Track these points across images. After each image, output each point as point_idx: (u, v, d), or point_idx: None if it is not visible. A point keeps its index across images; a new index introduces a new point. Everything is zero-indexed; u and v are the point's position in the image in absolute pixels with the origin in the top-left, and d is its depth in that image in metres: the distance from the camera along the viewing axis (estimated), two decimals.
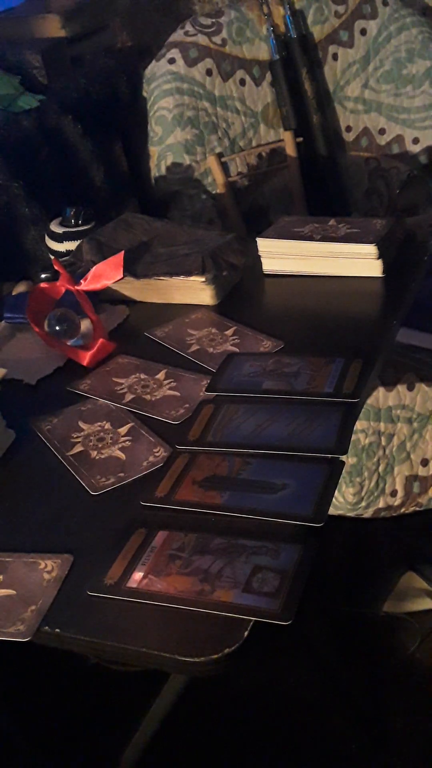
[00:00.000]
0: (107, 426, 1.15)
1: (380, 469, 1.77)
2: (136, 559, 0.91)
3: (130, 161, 2.29)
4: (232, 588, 0.86)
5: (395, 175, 2.33)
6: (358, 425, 1.73)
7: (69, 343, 1.34)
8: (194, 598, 0.85)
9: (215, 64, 2.22)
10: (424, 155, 2.31)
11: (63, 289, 1.41)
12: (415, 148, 2.32)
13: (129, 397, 1.21)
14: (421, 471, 1.81)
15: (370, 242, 1.42)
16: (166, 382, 1.23)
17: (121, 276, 1.43)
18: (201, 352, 1.30)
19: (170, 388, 1.22)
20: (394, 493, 1.81)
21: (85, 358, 1.30)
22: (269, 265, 1.50)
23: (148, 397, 1.20)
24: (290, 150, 2.27)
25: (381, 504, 1.81)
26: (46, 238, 1.75)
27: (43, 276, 1.56)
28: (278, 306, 1.47)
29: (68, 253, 1.67)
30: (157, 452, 1.09)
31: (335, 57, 2.36)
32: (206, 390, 1.20)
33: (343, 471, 1.45)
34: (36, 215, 1.85)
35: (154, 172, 2.23)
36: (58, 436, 1.15)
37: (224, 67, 2.24)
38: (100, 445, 1.12)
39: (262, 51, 2.29)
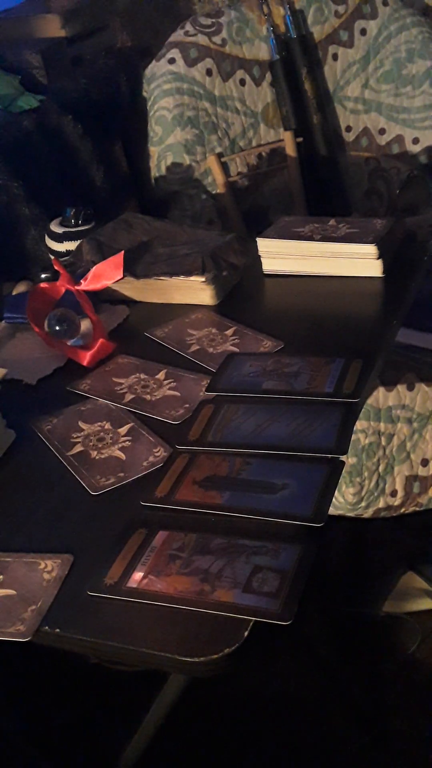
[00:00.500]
0: (107, 426, 1.15)
1: (380, 469, 1.77)
2: (136, 559, 0.91)
3: (130, 161, 2.29)
4: (232, 588, 0.86)
5: (395, 175, 2.33)
6: (358, 425, 1.73)
7: (69, 343, 1.34)
8: (194, 598, 0.85)
9: (215, 64, 2.23)
10: (424, 155, 2.31)
11: (63, 289, 1.41)
12: (415, 148, 2.32)
13: (129, 397, 1.21)
14: (421, 471, 1.81)
15: (370, 242, 1.42)
16: (166, 382, 1.23)
17: (121, 276, 1.43)
18: (201, 352, 1.30)
19: (170, 388, 1.22)
20: (394, 493, 1.81)
21: (85, 358, 1.30)
22: (269, 265, 1.50)
23: (148, 397, 1.20)
24: (290, 150, 2.27)
25: (381, 504, 1.81)
26: (46, 238, 1.75)
27: (43, 276, 1.56)
28: (278, 306, 1.47)
29: (68, 253, 1.67)
30: (157, 452, 1.09)
31: (335, 57, 2.36)
32: (206, 390, 1.20)
33: (343, 471, 1.45)
34: (36, 215, 1.85)
35: (154, 172, 2.23)
36: (58, 436, 1.15)
37: (224, 67, 2.24)
38: (100, 445, 1.12)
39: (262, 51, 2.29)
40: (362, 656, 1.76)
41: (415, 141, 2.32)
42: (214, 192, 2.22)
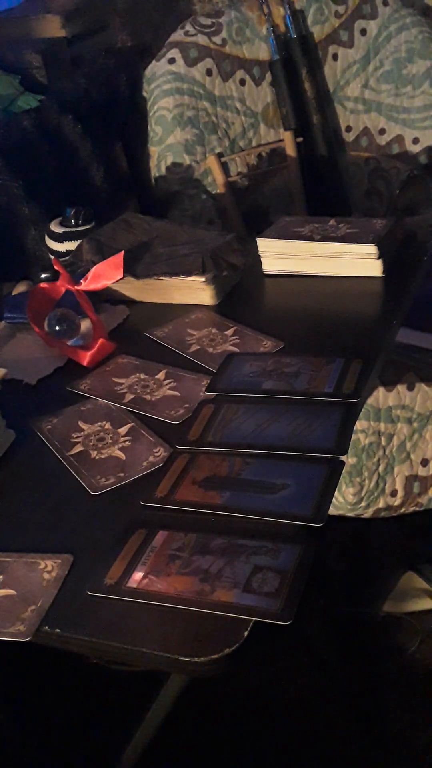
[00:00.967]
0: (107, 426, 1.15)
1: (380, 469, 1.77)
2: (136, 559, 0.91)
3: (130, 161, 2.29)
4: (232, 588, 0.86)
5: (395, 175, 2.33)
6: (358, 425, 1.73)
7: (69, 343, 1.34)
8: (194, 598, 0.85)
9: (215, 64, 2.23)
10: (424, 155, 2.31)
11: (63, 289, 1.41)
12: (415, 148, 2.32)
13: (129, 397, 1.21)
14: (421, 471, 1.81)
15: (370, 242, 1.42)
16: (166, 382, 1.23)
17: (121, 276, 1.43)
18: (201, 352, 1.30)
19: (170, 388, 1.22)
20: (394, 493, 1.81)
21: (85, 358, 1.30)
22: (269, 265, 1.50)
23: (148, 397, 1.20)
24: (290, 150, 2.27)
25: (381, 504, 1.81)
26: (46, 238, 1.75)
27: (43, 276, 1.56)
28: (278, 306, 1.47)
29: (68, 253, 1.67)
30: (157, 452, 1.09)
31: (335, 57, 2.36)
32: (206, 390, 1.20)
33: (343, 471, 1.46)
34: (36, 215, 1.85)
35: (154, 172, 2.23)
36: (58, 436, 1.15)
37: (224, 67, 2.24)
38: (100, 445, 1.12)
39: (262, 51, 2.29)
40: (362, 656, 1.76)
41: (415, 141, 2.32)
42: (214, 192, 2.22)
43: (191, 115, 2.20)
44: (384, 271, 1.43)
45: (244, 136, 2.29)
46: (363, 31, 2.34)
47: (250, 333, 1.33)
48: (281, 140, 2.29)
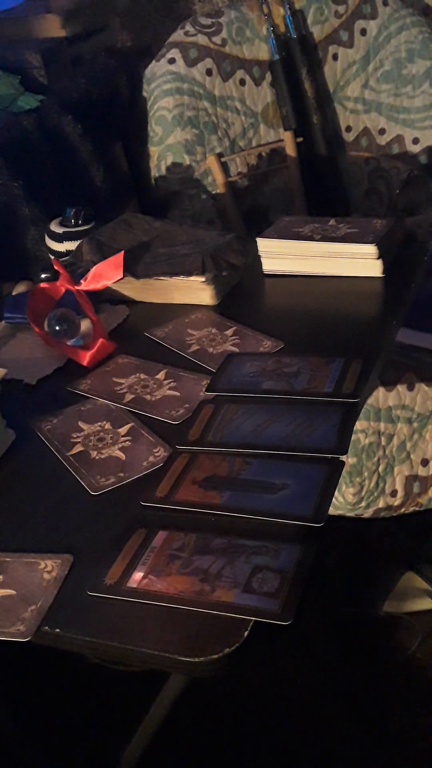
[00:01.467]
0: (107, 426, 1.15)
1: (380, 469, 1.77)
2: (136, 559, 0.91)
3: (130, 161, 2.29)
4: (232, 588, 0.86)
5: (395, 175, 2.33)
6: (358, 425, 1.73)
7: (69, 343, 1.34)
8: (194, 598, 0.85)
9: (215, 64, 2.23)
10: (424, 155, 2.31)
11: (63, 289, 1.41)
12: (415, 148, 2.32)
13: (129, 397, 1.21)
14: (421, 471, 1.81)
15: (370, 242, 1.42)
16: (166, 382, 1.23)
17: (121, 276, 1.43)
18: (201, 352, 1.30)
19: (170, 388, 1.22)
20: (394, 493, 1.81)
21: (85, 358, 1.30)
22: (269, 265, 1.50)
23: (148, 397, 1.20)
24: (290, 150, 2.27)
25: (381, 504, 1.81)
26: (46, 238, 1.75)
27: (43, 276, 1.56)
28: (278, 306, 1.46)
29: (68, 253, 1.67)
30: (157, 452, 1.09)
31: (335, 57, 2.36)
32: (206, 390, 1.20)
33: (343, 471, 1.46)
34: (36, 215, 1.85)
35: (154, 172, 2.23)
36: (58, 436, 1.15)
37: (224, 67, 2.24)
38: (100, 445, 1.12)
39: (262, 51, 2.29)
40: (362, 656, 1.76)
41: (415, 141, 2.32)
42: (214, 192, 2.22)
43: (191, 115, 2.20)
44: (384, 271, 1.43)
45: (244, 136, 2.29)
46: (363, 31, 2.34)
47: (250, 333, 1.33)
48: (281, 140, 2.29)
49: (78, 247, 1.55)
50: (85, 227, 1.71)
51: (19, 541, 0.98)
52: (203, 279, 1.41)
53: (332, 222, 1.52)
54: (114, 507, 1.01)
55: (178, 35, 2.23)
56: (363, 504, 1.80)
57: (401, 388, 1.75)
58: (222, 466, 1.03)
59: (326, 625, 1.78)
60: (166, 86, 2.19)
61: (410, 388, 1.75)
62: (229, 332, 1.34)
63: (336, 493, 1.59)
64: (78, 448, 1.12)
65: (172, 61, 2.19)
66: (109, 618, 0.86)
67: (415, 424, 1.77)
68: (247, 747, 1.62)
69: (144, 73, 2.24)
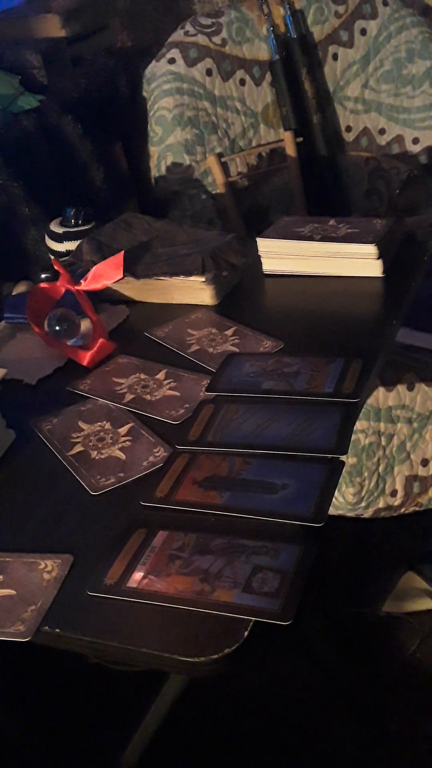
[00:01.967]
0: (107, 426, 1.15)
1: (380, 469, 1.77)
2: (136, 559, 0.91)
3: (130, 161, 2.29)
4: (232, 588, 0.86)
5: (395, 175, 2.33)
6: (358, 425, 1.73)
7: (69, 343, 1.34)
8: (194, 598, 0.85)
9: (215, 64, 2.23)
10: (424, 155, 2.31)
11: (63, 289, 1.41)
12: (415, 148, 2.32)
13: (129, 397, 1.21)
14: (421, 471, 1.81)
15: (370, 242, 1.42)
16: (166, 382, 1.23)
17: (121, 276, 1.43)
18: (201, 352, 1.30)
19: (170, 388, 1.22)
20: (394, 493, 1.81)
21: (85, 358, 1.30)
22: (269, 265, 1.50)
23: (148, 397, 1.20)
24: (290, 150, 2.27)
25: (381, 504, 1.81)
26: (46, 238, 1.75)
27: (43, 276, 1.56)
28: (278, 306, 1.47)
29: (68, 253, 1.67)
30: (157, 452, 1.09)
31: (335, 57, 2.36)
32: (206, 390, 1.20)
33: (343, 471, 1.45)
34: (36, 215, 1.85)
35: (154, 172, 2.23)
36: (58, 436, 1.15)
37: (224, 67, 2.24)
38: (100, 445, 1.12)
39: (262, 51, 2.29)
40: (362, 656, 1.76)
41: (415, 141, 2.32)
42: (214, 192, 2.22)
43: (191, 115, 2.20)
44: (384, 271, 1.43)
45: (244, 136, 2.29)
46: (363, 31, 2.34)
47: (250, 333, 1.33)
48: (281, 140, 2.29)
49: (78, 247, 1.55)
50: (85, 227, 1.71)
51: (19, 541, 0.98)
52: (203, 279, 1.41)
53: (332, 222, 1.52)
54: (114, 507, 1.01)
55: (178, 35, 2.23)
56: (363, 504, 1.80)
57: (401, 388, 1.74)
58: (222, 466, 1.03)
59: (326, 625, 1.78)
60: (166, 86, 2.19)
61: (410, 388, 1.75)
62: (229, 332, 1.34)
63: (336, 493, 1.59)
64: (78, 448, 1.12)
65: (172, 61, 2.19)
66: (109, 618, 0.86)
67: (415, 424, 1.77)
68: (247, 747, 1.62)
69: (144, 73, 2.24)
